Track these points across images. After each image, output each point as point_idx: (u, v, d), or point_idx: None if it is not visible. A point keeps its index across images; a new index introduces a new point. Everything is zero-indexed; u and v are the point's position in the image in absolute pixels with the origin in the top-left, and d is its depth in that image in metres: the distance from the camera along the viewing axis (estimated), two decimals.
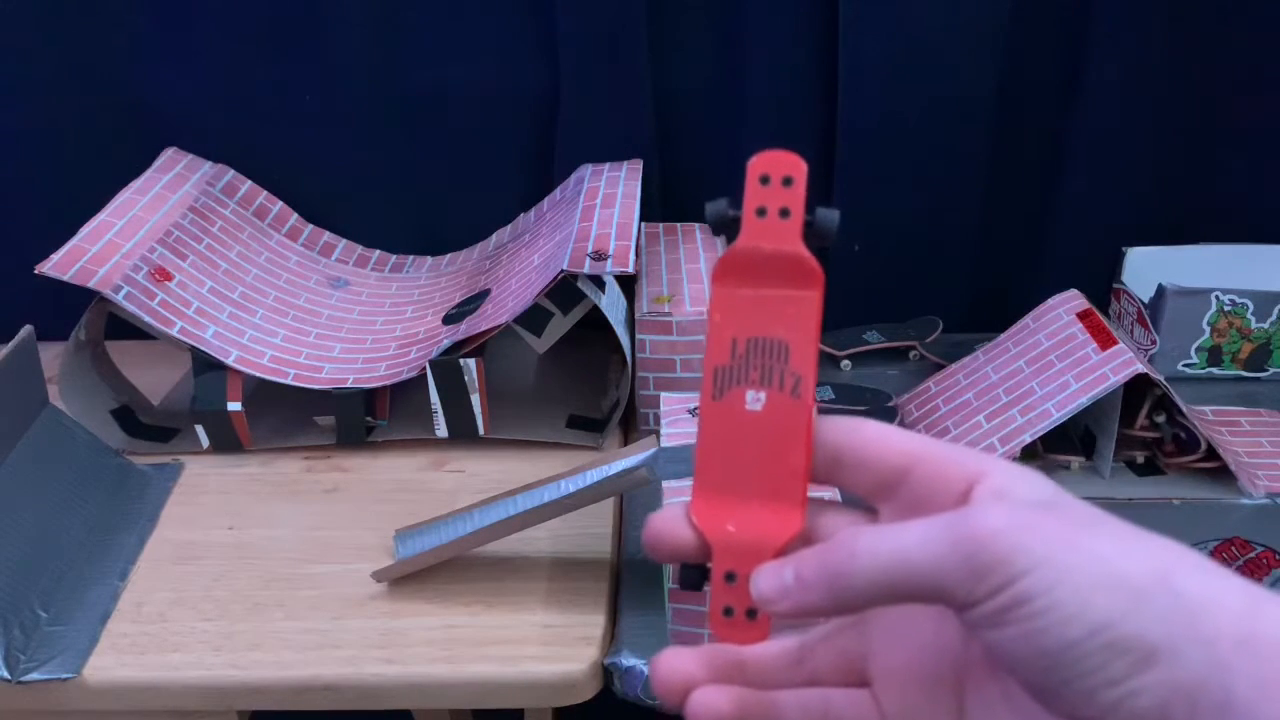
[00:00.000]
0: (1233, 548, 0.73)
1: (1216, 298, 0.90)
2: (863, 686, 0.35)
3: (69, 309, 0.83)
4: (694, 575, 0.34)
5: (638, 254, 0.87)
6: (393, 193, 1.02)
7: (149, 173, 0.93)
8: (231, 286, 0.88)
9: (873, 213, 0.97)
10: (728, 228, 0.34)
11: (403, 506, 0.76)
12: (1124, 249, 0.97)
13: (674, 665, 0.33)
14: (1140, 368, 0.75)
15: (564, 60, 0.95)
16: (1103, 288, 0.98)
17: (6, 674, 0.62)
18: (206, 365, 0.82)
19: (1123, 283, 0.96)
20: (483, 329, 0.81)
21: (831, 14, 0.92)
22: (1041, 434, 0.76)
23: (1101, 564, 0.27)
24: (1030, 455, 0.79)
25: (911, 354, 0.97)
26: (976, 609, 0.28)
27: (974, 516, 0.29)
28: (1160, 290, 0.91)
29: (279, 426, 0.86)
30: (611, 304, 0.80)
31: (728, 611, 0.33)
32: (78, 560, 0.71)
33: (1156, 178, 0.99)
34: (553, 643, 0.65)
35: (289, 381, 0.83)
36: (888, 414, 0.87)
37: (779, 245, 0.33)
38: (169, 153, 0.96)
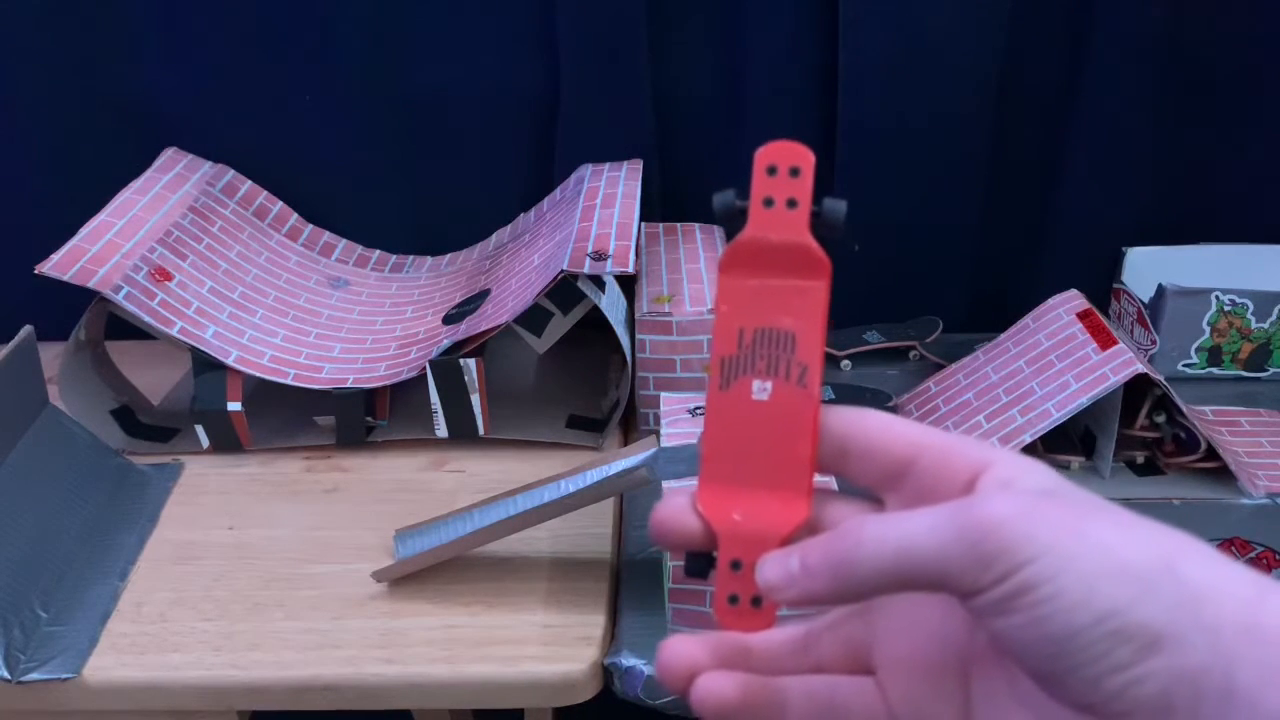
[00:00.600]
0: (1233, 548, 0.73)
1: (1216, 298, 0.90)
2: (868, 675, 0.35)
3: (69, 309, 0.83)
4: (700, 563, 0.34)
5: (638, 254, 0.87)
6: (393, 193, 1.02)
7: (149, 173, 0.92)
8: (231, 286, 0.88)
9: (873, 213, 0.97)
10: (735, 218, 0.34)
11: (403, 506, 0.76)
12: (1124, 249, 0.97)
13: (679, 651, 0.33)
14: (1140, 368, 0.75)
15: (564, 60, 0.95)
16: (1103, 288, 0.98)
17: (6, 674, 0.62)
18: (206, 365, 0.82)
19: (1123, 283, 0.96)
20: (483, 329, 0.80)
21: (831, 14, 0.92)
22: (1041, 434, 0.76)
23: (1106, 552, 0.28)
24: (1030, 455, 0.79)
25: (911, 354, 0.97)
26: (982, 597, 0.28)
27: (979, 505, 0.29)
28: (1160, 290, 0.91)
29: (279, 426, 0.86)
30: (611, 304, 0.80)
31: (733, 599, 0.33)
32: (78, 560, 0.71)
33: (1156, 178, 0.99)
34: (553, 643, 0.65)
35: (289, 381, 0.83)
36: None
37: (786, 235, 0.33)
38: (169, 153, 0.96)
